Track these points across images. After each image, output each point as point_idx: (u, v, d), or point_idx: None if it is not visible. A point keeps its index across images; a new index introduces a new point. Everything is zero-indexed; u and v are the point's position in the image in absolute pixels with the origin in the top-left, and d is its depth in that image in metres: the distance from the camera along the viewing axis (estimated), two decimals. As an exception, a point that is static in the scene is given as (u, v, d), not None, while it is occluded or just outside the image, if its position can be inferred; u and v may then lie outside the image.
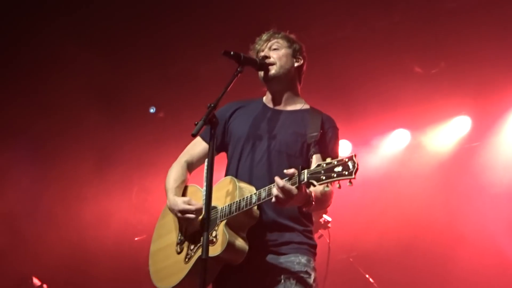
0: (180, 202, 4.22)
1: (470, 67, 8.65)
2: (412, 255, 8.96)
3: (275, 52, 4.42)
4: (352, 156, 3.53)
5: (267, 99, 4.52)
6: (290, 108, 4.43)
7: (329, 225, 7.62)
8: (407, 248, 8.99)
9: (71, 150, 9.89)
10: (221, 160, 4.40)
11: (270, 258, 4.09)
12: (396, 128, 9.82)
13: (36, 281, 9.33)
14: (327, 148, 4.20)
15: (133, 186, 10.84)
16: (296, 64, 4.48)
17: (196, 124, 3.80)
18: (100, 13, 8.62)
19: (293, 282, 4.01)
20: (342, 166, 3.52)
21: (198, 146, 4.54)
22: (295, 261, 4.07)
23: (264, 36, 4.52)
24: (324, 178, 3.56)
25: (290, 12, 7.97)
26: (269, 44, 4.46)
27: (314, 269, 4.15)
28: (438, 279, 8.67)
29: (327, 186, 3.63)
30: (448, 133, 9.56)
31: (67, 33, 8.76)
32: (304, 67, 4.57)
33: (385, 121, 9.59)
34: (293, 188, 3.65)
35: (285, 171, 3.71)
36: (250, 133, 4.33)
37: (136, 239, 10.08)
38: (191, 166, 4.54)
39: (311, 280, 4.07)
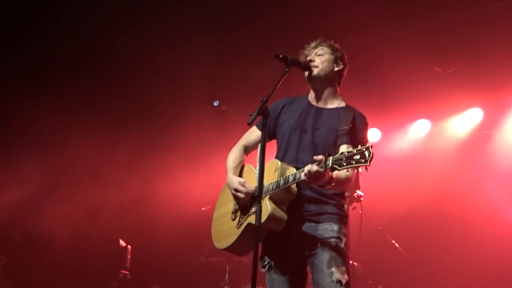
0: (235, 182, 4.31)
1: (482, 67, 8.63)
2: (433, 223, 8.89)
3: (319, 57, 4.41)
4: (368, 146, 3.55)
5: (311, 96, 4.50)
6: (329, 106, 4.41)
7: (362, 198, 7.58)
8: (429, 218, 8.93)
9: (163, 140, 10.07)
10: (271, 146, 4.42)
11: (307, 226, 4.13)
12: (418, 118, 9.78)
13: (122, 243, 9.48)
14: (355, 138, 4.19)
15: (200, 165, 10.96)
16: (336, 69, 4.45)
17: (251, 115, 3.89)
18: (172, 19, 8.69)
19: (327, 245, 4.04)
20: (360, 154, 3.56)
21: (253, 133, 4.59)
22: (329, 228, 4.11)
23: (313, 44, 4.50)
24: (344, 164, 3.60)
25: (330, 22, 7.92)
26: (316, 50, 4.45)
27: (345, 235, 4.16)
28: (456, 244, 8.55)
29: (347, 171, 3.71)
30: (463, 122, 9.49)
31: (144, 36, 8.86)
32: (344, 72, 4.54)
33: (410, 112, 9.55)
34: (320, 171, 3.71)
35: (314, 157, 3.77)
36: (296, 126, 4.34)
37: (202, 209, 10.17)
38: (247, 150, 4.61)
39: (342, 244, 4.09)
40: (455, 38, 8.49)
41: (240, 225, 4.22)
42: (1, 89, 9.06)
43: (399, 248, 8.55)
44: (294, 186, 4.06)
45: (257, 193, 3.83)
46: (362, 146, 3.59)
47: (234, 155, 4.55)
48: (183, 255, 9.81)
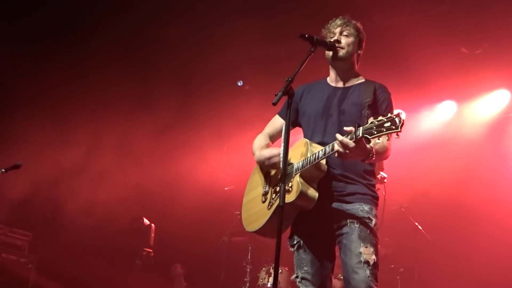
0: (265, 152, 4.36)
1: (509, 48, 8.47)
2: (457, 206, 8.79)
3: (345, 38, 4.35)
4: (398, 113, 3.54)
5: (330, 79, 4.48)
6: (349, 84, 4.39)
7: (385, 180, 7.54)
8: (452, 201, 8.83)
9: (188, 120, 10.11)
10: (296, 133, 4.42)
11: (338, 205, 4.10)
12: (444, 100, 9.70)
13: (146, 221, 9.57)
14: (380, 109, 4.16)
15: (223, 145, 10.98)
16: (359, 52, 4.43)
17: (276, 95, 3.83)
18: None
19: (357, 225, 4.02)
20: (390, 122, 3.54)
21: (277, 121, 4.60)
22: (359, 208, 4.07)
23: (338, 21, 4.41)
24: (375, 132, 3.58)
25: (356, 1, 7.85)
26: (341, 29, 4.38)
27: (375, 216, 4.12)
28: (479, 228, 8.45)
29: (378, 139, 3.64)
30: (490, 104, 9.36)
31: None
32: (361, 53, 4.50)
33: (436, 93, 9.47)
34: (350, 142, 3.67)
35: (344, 128, 3.74)
36: (318, 109, 4.32)
37: (226, 188, 10.21)
38: (272, 137, 4.60)
39: (372, 224, 4.06)
40: (482, 18, 8.38)
41: (271, 206, 4.21)
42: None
43: (422, 230, 8.52)
44: (324, 162, 4.03)
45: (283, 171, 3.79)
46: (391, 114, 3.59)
47: (259, 140, 4.56)
48: (206, 235, 9.86)
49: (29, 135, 9.07)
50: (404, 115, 3.57)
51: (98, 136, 9.78)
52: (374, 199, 4.19)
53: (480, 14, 8.33)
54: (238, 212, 9.13)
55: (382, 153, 4.03)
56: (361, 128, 3.66)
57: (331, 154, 3.86)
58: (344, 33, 4.37)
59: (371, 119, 3.76)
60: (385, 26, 8.74)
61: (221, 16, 8.87)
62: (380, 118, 3.61)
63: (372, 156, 3.82)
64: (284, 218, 3.74)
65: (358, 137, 3.66)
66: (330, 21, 4.45)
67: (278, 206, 3.87)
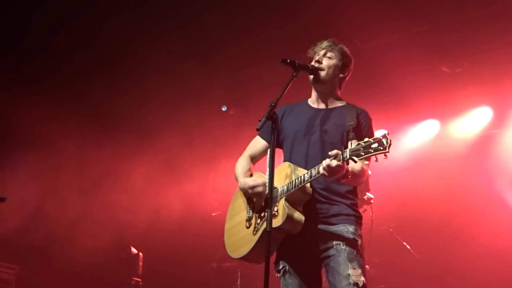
0: (249, 180, 4.30)
1: (490, 66, 8.54)
2: (443, 225, 8.82)
3: (327, 60, 4.37)
4: (385, 134, 3.56)
5: (311, 100, 4.49)
6: (331, 106, 4.40)
7: (372, 201, 7.56)
8: (439, 220, 8.85)
9: (172, 146, 10.06)
10: (278, 156, 4.40)
11: (323, 227, 4.08)
12: (427, 118, 9.76)
13: (133, 250, 9.47)
14: (362, 133, 4.16)
15: (209, 171, 10.94)
16: (341, 75, 4.44)
17: (259, 120, 3.85)
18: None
19: (343, 247, 3.99)
20: (377, 143, 3.57)
21: (258, 142, 4.56)
22: (344, 230, 4.06)
23: (325, 43, 4.45)
24: (363, 154, 3.60)
25: (337, 24, 7.91)
26: (326, 51, 4.41)
27: (360, 236, 4.10)
28: (467, 246, 8.47)
29: (367, 160, 3.71)
30: (472, 122, 9.44)
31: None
32: (347, 78, 4.51)
33: (418, 113, 9.52)
34: (340, 164, 3.69)
35: (329, 152, 3.74)
36: (299, 129, 4.32)
37: (213, 214, 10.16)
38: (253, 159, 4.57)
39: (358, 246, 4.05)
40: (461, 38, 8.48)
41: (257, 231, 4.17)
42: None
43: (411, 250, 8.51)
44: (308, 185, 4.03)
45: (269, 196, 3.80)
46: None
47: (241, 163, 4.53)
48: (195, 261, 9.77)
49: (13, 166, 9.00)
50: (388, 136, 3.56)
51: (82, 164, 9.72)
52: (358, 219, 4.18)
53: (459, 33, 8.44)
54: (225, 238, 9.10)
55: (358, 176, 4.05)
56: (347, 150, 3.67)
57: (317, 177, 3.86)
58: (328, 55, 4.39)
59: (354, 141, 3.78)
60: (366, 47, 8.81)
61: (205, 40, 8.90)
62: (366, 139, 3.63)
63: (348, 176, 3.82)
64: (271, 243, 3.72)
65: (346, 158, 3.67)
66: (318, 43, 4.48)
67: (264, 231, 3.86)
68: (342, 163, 3.69)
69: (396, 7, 8.12)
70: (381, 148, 3.54)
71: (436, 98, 9.15)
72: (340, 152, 3.70)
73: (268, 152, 4.11)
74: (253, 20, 8.62)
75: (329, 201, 4.13)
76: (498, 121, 9.23)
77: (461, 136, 9.47)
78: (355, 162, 3.67)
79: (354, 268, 3.95)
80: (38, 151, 9.32)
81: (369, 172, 3.68)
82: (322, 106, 4.42)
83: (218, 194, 10.49)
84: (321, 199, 4.12)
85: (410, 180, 9.30)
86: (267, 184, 3.97)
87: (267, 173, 3.94)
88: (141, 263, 9.41)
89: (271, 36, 8.69)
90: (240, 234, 4.35)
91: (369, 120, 4.32)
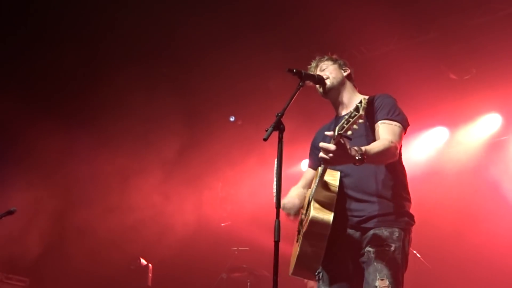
0: (285, 208, 4.21)
1: (498, 72, 8.54)
2: (450, 231, 8.78)
3: (326, 70, 4.39)
4: (361, 100, 3.35)
5: (335, 110, 4.46)
6: (350, 108, 4.17)
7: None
8: (447, 226, 8.80)
9: (182, 156, 10.08)
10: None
11: (356, 232, 3.95)
12: (436, 126, 9.72)
13: (143, 261, 9.48)
14: (379, 116, 4.11)
15: (219, 181, 10.94)
16: (345, 74, 4.45)
17: (266, 130, 3.79)
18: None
19: (373, 255, 3.83)
20: (355, 110, 3.34)
21: (308, 173, 4.50)
22: (378, 233, 3.89)
23: (313, 63, 4.47)
24: (345, 125, 3.37)
25: (344, 33, 7.95)
26: (318, 68, 4.42)
27: (398, 239, 3.91)
28: (477, 254, 8.43)
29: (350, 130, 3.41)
30: (481, 128, 9.39)
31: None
32: (352, 75, 4.51)
33: (427, 120, 9.45)
34: (330, 145, 3.46)
35: (325, 132, 3.57)
36: (326, 141, 3.87)
37: (222, 224, 10.16)
38: (305, 188, 4.42)
39: (391, 252, 3.85)
40: (468, 45, 8.46)
41: (298, 242, 4.00)
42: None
43: (421, 258, 8.45)
44: (331, 180, 3.89)
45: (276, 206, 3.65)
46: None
47: (290, 192, 4.41)
48: (204, 272, 9.76)
49: (22, 181, 9.04)
50: (365, 100, 3.35)
51: (91, 176, 9.76)
52: (399, 219, 4.01)
53: (466, 40, 8.42)
54: (235, 248, 9.08)
55: (379, 152, 3.77)
56: (337, 127, 3.44)
57: (324, 169, 3.74)
58: (322, 67, 4.41)
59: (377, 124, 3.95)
60: (373, 55, 8.82)
61: (211, 51, 8.93)
62: (349, 111, 3.42)
63: (363, 157, 3.57)
64: (311, 252, 3.68)
65: (335, 136, 3.44)
66: (308, 67, 4.47)
67: (302, 238, 3.82)
68: (336, 142, 3.44)
69: (403, 15, 8.11)
70: (356, 113, 3.34)
71: (445, 105, 9.13)
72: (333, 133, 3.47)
73: (275, 162, 4.02)
74: (261, 30, 8.66)
75: (364, 201, 3.99)
76: (507, 128, 9.20)
77: (471, 143, 9.43)
78: (341, 133, 3.39)
79: (382, 279, 3.77)
80: (49, 163, 9.39)
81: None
82: (345, 110, 4.35)
83: (227, 205, 10.50)
84: (355, 198, 3.98)
85: (419, 188, 9.26)
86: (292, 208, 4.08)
87: (275, 180, 3.80)
88: (150, 274, 9.43)
89: (278, 47, 8.72)
90: (294, 251, 4.17)
91: (385, 99, 4.24)
